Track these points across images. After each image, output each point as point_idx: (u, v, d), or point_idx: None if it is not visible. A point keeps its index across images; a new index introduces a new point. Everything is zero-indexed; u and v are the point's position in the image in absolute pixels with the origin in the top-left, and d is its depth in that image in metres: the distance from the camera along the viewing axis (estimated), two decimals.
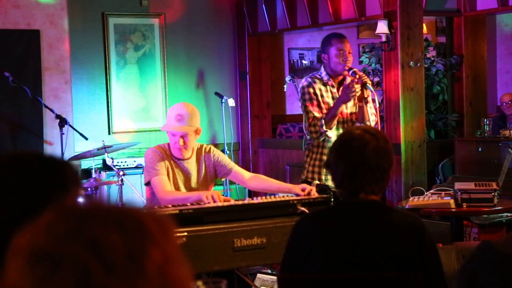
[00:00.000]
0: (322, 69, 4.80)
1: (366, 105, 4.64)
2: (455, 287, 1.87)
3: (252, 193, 6.45)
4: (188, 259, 1.03)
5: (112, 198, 6.75)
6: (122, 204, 1.05)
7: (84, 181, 6.16)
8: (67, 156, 6.62)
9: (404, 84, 6.92)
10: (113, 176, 6.66)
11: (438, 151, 7.63)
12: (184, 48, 8.40)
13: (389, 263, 2.51)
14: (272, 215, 3.92)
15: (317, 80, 4.77)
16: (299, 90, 5.03)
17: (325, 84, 4.76)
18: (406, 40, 6.91)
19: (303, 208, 3.94)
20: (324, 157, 4.62)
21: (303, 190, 4.10)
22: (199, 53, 8.50)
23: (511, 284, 1.76)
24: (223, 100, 8.01)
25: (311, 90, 4.73)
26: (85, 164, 7.37)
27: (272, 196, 4.13)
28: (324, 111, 4.69)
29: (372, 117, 4.68)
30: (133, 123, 8.09)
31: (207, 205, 3.87)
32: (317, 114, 4.67)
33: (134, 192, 6.42)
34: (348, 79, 4.63)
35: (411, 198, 4.83)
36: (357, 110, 4.72)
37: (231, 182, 6.31)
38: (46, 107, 6.77)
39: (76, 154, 6.82)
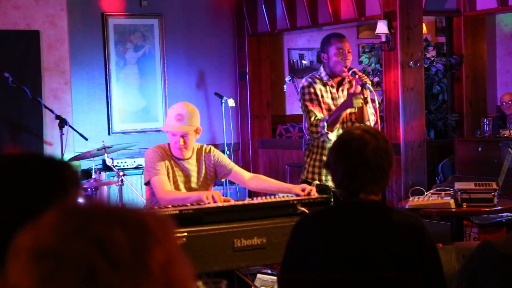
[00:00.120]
0: (322, 69, 4.80)
1: (366, 105, 4.64)
2: (455, 287, 1.87)
3: (252, 193, 6.45)
4: (188, 259, 1.04)
5: (112, 198, 6.75)
6: (122, 204, 1.06)
7: (84, 181, 6.16)
8: (67, 156, 6.63)
9: (404, 84, 6.92)
10: (113, 176, 6.66)
11: (438, 151, 7.63)
12: (184, 48, 8.40)
13: (389, 263, 2.51)
14: (272, 215, 3.92)
15: (317, 80, 4.77)
16: (299, 90, 5.02)
17: (325, 85, 4.76)
18: (406, 40, 6.91)
19: (303, 208, 3.94)
20: (324, 157, 4.61)
21: (303, 190, 4.10)
22: (199, 53, 8.50)
23: (511, 284, 1.76)
24: (223, 100, 8.02)
25: (312, 90, 4.73)
26: (85, 164, 7.37)
27: (272, 196, 4.13)
28: (324, 111, 4.69)
29: (371, 117, 4.68)
30: (133, 123, 8.09)
31: (207, 205, 3.87)
32: (318, 114, 4.66)
33: (134, 192, 6.42)
34: (358, 88, 4.61)
35: (411, 198, 4.83)
36: (356, 110, 4.72)
37: (231, 183, 6.31)
38: (46, 107, 6.77)
39: (76, 154, 6.82)
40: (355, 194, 2.61)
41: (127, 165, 7.43)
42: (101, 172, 7.16)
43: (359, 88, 4.61)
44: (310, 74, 4.88)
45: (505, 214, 5.54)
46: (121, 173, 6.03)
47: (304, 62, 9.64)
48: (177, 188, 4.25)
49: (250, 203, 3.97)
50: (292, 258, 2.64)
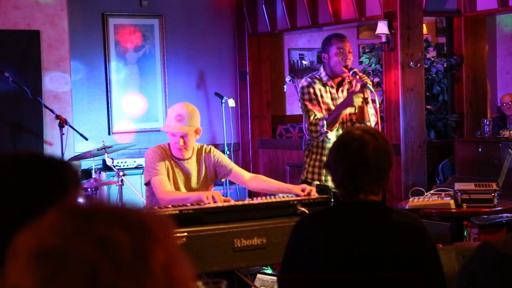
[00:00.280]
0: (322, 69, 4.80)
1: (366, 106, 4.64)
2: (455, 287, 1.87)
3: (252, 194, 6.45)
4: (189, 259, 1.04)
5: (112, 198, 6.75)
6: (122, 205, 1.06)
7: (84, 181, 6.16)
8: (67, 156, 6.63)
9: (404, 85, 6.92)
10: (113, 176, 6.66)
11: (438, 151, 7.63)
12: (184, 48, 8.40)
13: (389, 263, 2.51)
14: (272, 216, 3.92)
15: (316, 80, 4.77)
16: (298, 90, 5.02)
17: (324, 85, 4.77)
18: (406, 40, 6.91)
19: (303, 209, 3.94)
20: (324, 158, 4.61)
21: (303, 190, 4.10)
22: (199, 54, 8.50)
23: (511, 285, 1.76)
24: (223, 101, 8.02)
25: (311, 90, 4.73)
26: (85, 164, 7.37)
27: (272, 197, 4.13)
28: (324, 111, 4.69)
29: (372, 118, 4.68)
30: (133, 123, 8.09)
31: (207, 205, 3.87)
32: (318, 114, 4.66)
33: (134, 192, 6.42)
34: (358, 86, 4.61)
35: (411, 199, 4.83)
36: (357, 110, 4.72)
37: (231, 183, 6.31)
38: (46, 107, 6.77)
39: (76, 154, 6.83)
40: (355, 194, 2.61)
41: (127, 165, 7.43)
42: (101, 172, 7.16)
43: (358, 86, 4.62)
44: (309, 74, 4.88)
45: (505, 214, 5.54)
46: (121, 173, 6.03)
47: (304, 62, 9.64)
48: (177, 188, 4.25)
49: (250, 203, 3.97)
50: (292, 258, 2.64)
